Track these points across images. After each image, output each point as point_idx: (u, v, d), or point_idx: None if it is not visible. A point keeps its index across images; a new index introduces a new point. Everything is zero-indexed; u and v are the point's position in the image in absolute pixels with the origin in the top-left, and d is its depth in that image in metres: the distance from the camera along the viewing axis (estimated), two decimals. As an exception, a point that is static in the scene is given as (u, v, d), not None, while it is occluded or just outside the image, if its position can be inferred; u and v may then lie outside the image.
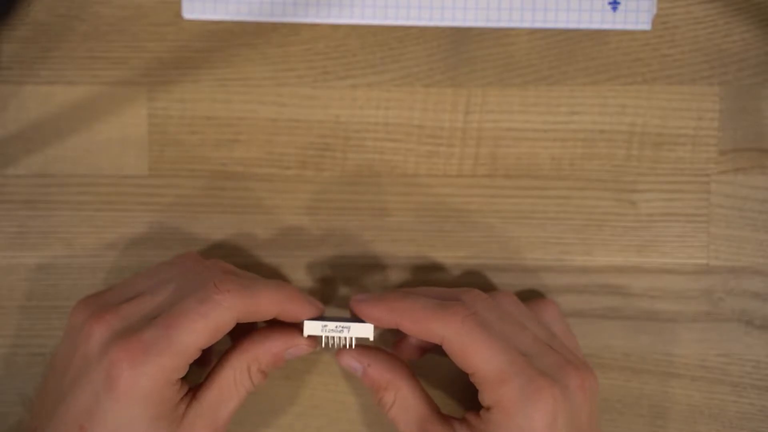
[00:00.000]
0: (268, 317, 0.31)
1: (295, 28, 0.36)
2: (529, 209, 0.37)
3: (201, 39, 0.36)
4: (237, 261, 0.36)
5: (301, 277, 0.37)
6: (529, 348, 0.31)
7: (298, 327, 0.32)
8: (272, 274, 0.37)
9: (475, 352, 0.30)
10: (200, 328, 0.29)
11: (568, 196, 0.37)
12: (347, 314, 0.34)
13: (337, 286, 0.37)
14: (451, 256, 0.37)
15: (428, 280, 0.37)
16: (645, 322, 0.37)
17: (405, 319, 0.30)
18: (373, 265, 0.37)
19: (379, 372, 0.32)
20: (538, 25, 0.36)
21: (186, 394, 0.31)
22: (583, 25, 0.36)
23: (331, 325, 0.31)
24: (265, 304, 0.31)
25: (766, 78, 0.36)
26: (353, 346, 0.32)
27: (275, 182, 0.37)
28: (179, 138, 0.36)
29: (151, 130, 0.36)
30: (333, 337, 0.31)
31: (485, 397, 0.30)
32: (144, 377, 0.29)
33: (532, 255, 0.37)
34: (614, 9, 0.36)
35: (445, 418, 0.32)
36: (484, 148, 0.37)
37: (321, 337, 0.32)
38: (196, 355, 0.30)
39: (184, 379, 0.30)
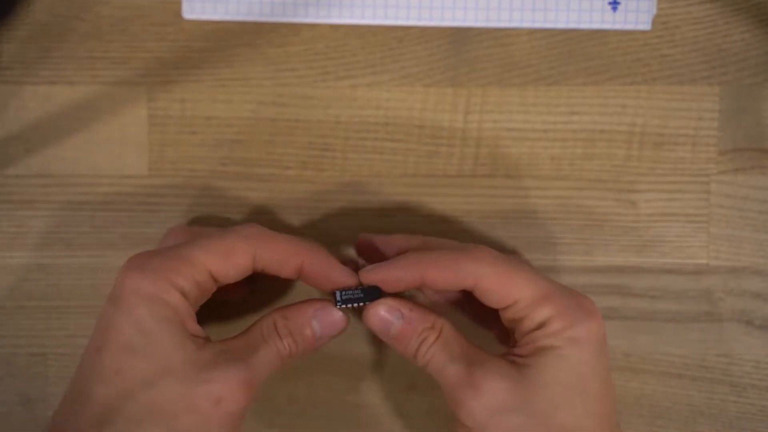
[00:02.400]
0: (291, 268, 0.30)
1: (295, 28, 0.36)
2: (529, 209, 0.37)
3: (201, 39, 0.36)
4: (237, 261, 0.37)
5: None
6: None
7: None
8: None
9: (516, 278, 0.29)
10: (212, 245, 0.29)
11: (568, 196, 0.37)
12: None
13: (337, 286, 0.37)
14: (451, 256, 0.37)
15: (428, 280, 0.37)
16: (645, 322, 0.37)
17: (431, 269, 0.30)
18: (373, 265, 0.37)
19: (424, 313, 0.31)
20: (538, 25, 0.36)
21: (206, 338, 0.30)
22: (583, 25, 0.36)
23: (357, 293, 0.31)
24: (286, 247, 0.30)
25: (766, 78, 0.36)
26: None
27: (275, 182, 0.37)
28: (179, 138, 0.37)
29: (151, 130, 0.36)
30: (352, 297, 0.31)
31: (531, 321, 0.30)
32: (146, 275, 0.28)
33: (532, 255, 0.37)
34: (614, 9, 0.36)
35: (486, 351, 0.31)
36: (484, 148, 0.37)
37: (338, 299, 0.31)
38: (204, 278, 0.29)
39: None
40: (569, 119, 0.37)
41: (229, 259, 0.29)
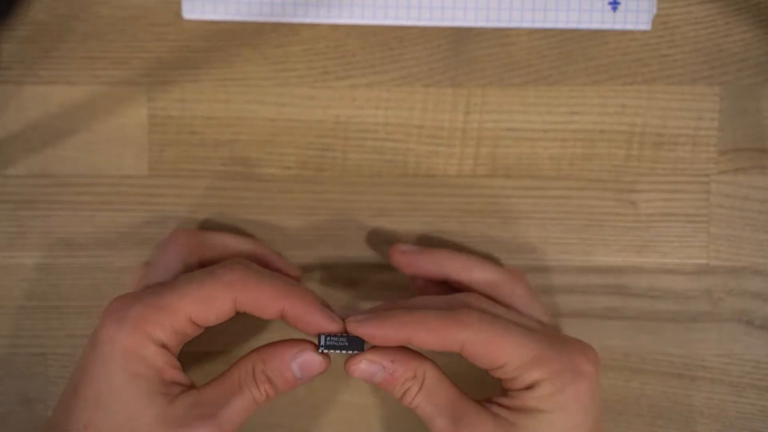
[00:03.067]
0: (272, 312, 0.30)
1: (295, 28, 0.36)
2: (529, 209, 0.37)
3: (201, 39, 0.36)
4: (237, 261, 0.37)
5: (301, 277, 0.37)
6: (538, 329, 0.31)
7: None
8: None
9: (504, 342, 0.29)
10: (192, 292, 0.29)
11: (568, 196, 0.37)
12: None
13: (337, 287, 0.37)
14: (451, 256, 0.37)
15: (428, 280, 0.37)
16: (645, 322, 0.37)
17: (419, 331, 0.29)
18: (373, 265, 0.37)
19: (406, 363, 0.30)
20: (538, 25, 0.36)
21: (183, 384, 0.30)
22: (583, 25, 0.36)
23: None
24: (267, 293, 0.29)
25: (766, 78, 0.36)
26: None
27: (275, 182, 0.37)
28: (179, 138, 0.36)
29: (151, 130, 0.36)
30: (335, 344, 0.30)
31: (524, 381, 0.30)
32: (124, 325, 0.28)
33: (533, 255, 0.37)
34: (614, 9, 0.36)
35: (474, 400, 0.31)
36: (484, 148, 0.37)
37: (321, 343, 0.30)
38: (185, 325, 0.29)
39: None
40: (569, 119, 0.37)
41: (208, 307, 0.29)
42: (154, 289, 0.30)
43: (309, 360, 0.30)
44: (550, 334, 0.31)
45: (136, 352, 0.28)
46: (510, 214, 0.37)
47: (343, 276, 0.37)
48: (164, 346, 0.29)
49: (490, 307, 0.31)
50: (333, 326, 0.30)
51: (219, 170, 0.37)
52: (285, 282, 0.30)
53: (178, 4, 0.36)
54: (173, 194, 0.37)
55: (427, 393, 0.30)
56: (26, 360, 0.37)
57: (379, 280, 0.37)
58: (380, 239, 0.37)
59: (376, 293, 0.37)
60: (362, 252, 0.37)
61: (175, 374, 0.29)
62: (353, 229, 0.37)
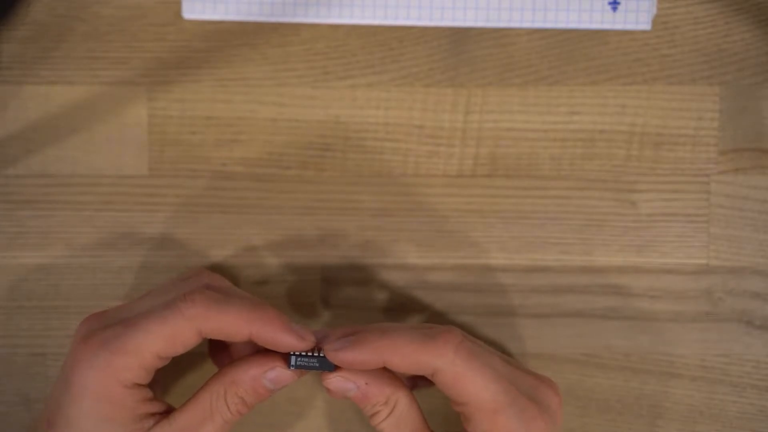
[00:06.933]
0: (240, 337, 0.30)
1: (295, 28, 0.36)
2: (529, 209, 0.37)
3: (201, 39, 0.36)
4: (237, 261, 0.36)
5: (301, 277, 0.37)
6: (507, 372, 0.31)
7: (284, 354, 0.31)
8: (272, 274, 0.37)
9: (471, 381, 0.30)
10: (156, 330, 0.29)
11: (568, 196, 0.37)
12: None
13: (337, 287, 0.37)
14: (451, 256, 0.37)
15: (428, 280, 0.37)
16: (645, 322, 0.37)
17: (394, 356, 0.29)
18: (374, 265, 0.37)
19: (380, 387, 0.31)
20: (538, 25, 0.36)
21: (157, 413, 0.30)
22: (583, 25, 0.36)
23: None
24: (232, 320, 0.29)
25: (766, 78, 0.36)
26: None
27: (275, 182, 0.37)
28: (179, 138, 0.37)
29: (151, 130, 0.36)
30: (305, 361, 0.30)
31: (477, 427, 0.30)
32: (93, 371, 0.29)
33: (532, 255, 0.37)
34: (614, 9, 0.36)
35: None
36: (484, 148, 0.37)
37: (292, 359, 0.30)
38: (153, 361, 0.29)
39: (158, 401, 0.30)
40: (569, 119, 0.37)
41: (174, 343, 0.29)
42: (118, 330, 0.29)
43: (281, 375, 0.31)
44: (518, 383, 0.31)
45: (106, 397, 0.29)
46: (510, 214, 0.37)
47: (343, 276, 0.37)
48: (135, 385, 0.30)
49: (467, 338, 0.31)
50: (302, 345, 0.30)
51: (219, 170, 0.37)
52: (249, 306, 0.30)
53: (178, 4, 0.36)
54: (173, 194, 0.37)
55: (394, 421, 0.31)
56: (26, 360, 0.37)
57: (380, 280, 0.37)
58: (380, 239, 0.37)
59: (377, 293, 0.37)
60: (362, 252, 0.37)
61: (148, 407, 0.30)
62: (353, 228, 0.37)
